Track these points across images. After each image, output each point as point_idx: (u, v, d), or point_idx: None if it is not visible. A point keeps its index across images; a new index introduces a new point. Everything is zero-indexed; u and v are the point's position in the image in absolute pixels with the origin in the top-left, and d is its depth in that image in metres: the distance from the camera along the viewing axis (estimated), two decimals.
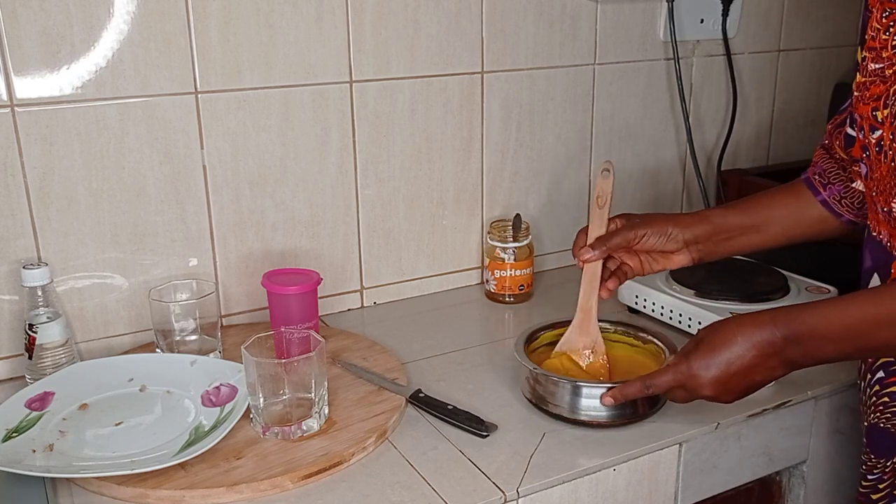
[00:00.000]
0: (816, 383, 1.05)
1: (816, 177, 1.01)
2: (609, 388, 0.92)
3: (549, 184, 1.41)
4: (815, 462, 1.10)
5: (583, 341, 1.00)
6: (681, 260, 1.01)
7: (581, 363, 1.00)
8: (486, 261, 1.32)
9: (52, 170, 1.05)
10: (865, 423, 0.94)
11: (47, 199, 1.06)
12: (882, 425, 0.90)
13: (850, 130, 0.97)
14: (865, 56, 0.86)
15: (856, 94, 0.88)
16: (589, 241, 0.99)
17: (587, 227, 1.01)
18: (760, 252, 1.04)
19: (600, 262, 0.99)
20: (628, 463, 0.92)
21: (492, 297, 1.33)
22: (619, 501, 0.94)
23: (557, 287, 1.39)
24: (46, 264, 1.03)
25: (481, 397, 1.02)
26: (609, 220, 1.00)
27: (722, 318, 0.88)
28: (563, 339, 1.02)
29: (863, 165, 0.89)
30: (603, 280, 0.99)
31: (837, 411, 1.09)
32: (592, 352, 1.00)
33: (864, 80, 0.86)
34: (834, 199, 0.99)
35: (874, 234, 0.89)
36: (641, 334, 1.05)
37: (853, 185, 0.98)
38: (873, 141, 0.84)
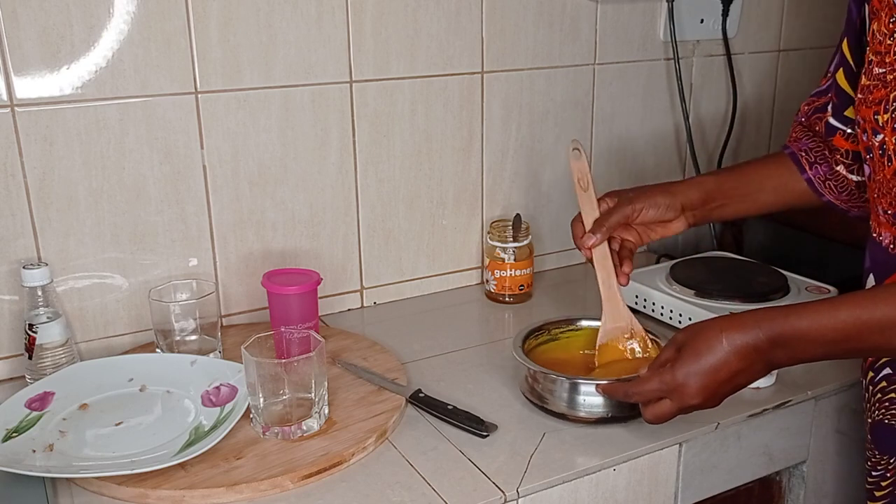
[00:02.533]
0: (817, 383, 1.05)
1: (803, 153, 1.02)
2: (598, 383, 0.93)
3: (549, 184, 1.41)
4: (815, 462, 1.10)
5: (619, 328, 1.00)
6: (677, 227, 1.02)
7: (626, 351, 0.99)
8: (486, 261, 1.32)
9: (52, 170, 1.05)
10: (869, 420, 0.94)
11: (47, 200, 1.06)
12: (887, 422, 0.90)
13: (832, 120, 0.98)
14: (872, 59, 0.86)
15: (859, 96, 0.87)
16: (587, 227, 0.99)
17: (579, 214, 1.00)
18: (750, 219, 1.06)
19: (606, 245, 0.99)
20: (628, 463, 0.92)
21: (492, 297, 1.33)
22: (619, 501, 0.94)
23: (557, 287, 1.39)
24: (46, 264, 1.03)
25: (481, 397, 1.02)
26: (598, 200, 1.00)
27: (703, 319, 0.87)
28: (599, 334, 1.01)
29: (866, 167, 0.89)
30: (617, 267, 0.99)
31: (837, 411, 1.09)
32: (631, 335, 1.00)
33: (868, 83, 0.86)
34: (819, 179, 1.01)
35: (874, 234, 0.89)
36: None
37: (837, 168, 1.00)
38: (876, 144, 0.84)
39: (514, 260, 1.29)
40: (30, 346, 1.03)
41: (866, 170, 0.89)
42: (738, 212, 1.04)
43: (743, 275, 1.22)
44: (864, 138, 0.86)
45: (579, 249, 1.00)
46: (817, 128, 1.02)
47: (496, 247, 1.30)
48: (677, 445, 0.96)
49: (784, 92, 1.63)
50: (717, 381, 0.81)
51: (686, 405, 0.84)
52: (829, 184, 1.01)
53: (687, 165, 1.54)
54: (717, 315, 0.87)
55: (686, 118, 1.47)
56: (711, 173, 1.08)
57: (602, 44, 1.39)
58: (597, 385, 0.92)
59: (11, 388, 1.03)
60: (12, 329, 1.07)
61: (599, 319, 1.02)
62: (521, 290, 1.31)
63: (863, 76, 0.87)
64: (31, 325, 1.02)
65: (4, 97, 1.01)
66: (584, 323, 1.07)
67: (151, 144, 1.10)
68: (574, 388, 0.95)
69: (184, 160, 1.12)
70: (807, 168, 1.01)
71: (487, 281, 1.32)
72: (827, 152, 1.01)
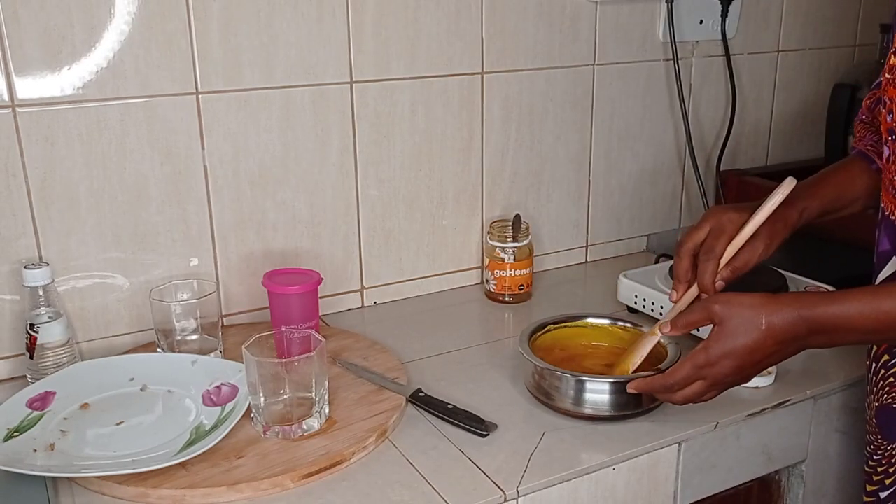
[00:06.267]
0: (816, 383, 1.05)
1: (869, 147, 1.00)
2: (613, 381, 0.94)
3: (548, 184, 1.42)
4: (814, 461, 1.10)
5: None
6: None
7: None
8: (486, 261, 1.32)
9: (53, 170, 1.05)
10: (876, 404, 0.93)
11: (48, 200, 1.06)
12: (895, 406, 0.91)
13: None
14: None
15: (887, 76, 0.86)
16: (724, 265, 0.92)
17: (716, 246, 0.92)
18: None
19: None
20: (628, 462, 0.93)
21: (491, 296, 1.33)
22: (618, 500, 0.94)
23: (557, 287, 1.39)
24: (48, 264, 1.03)
25: (481, 396, 1.02)
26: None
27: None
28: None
29: (886, 148, 0.88)
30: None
31: (836, 411, 1.09)
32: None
33: None
34: None
35: (892, 217, 0.88)
36: (640, 328, 1.06)
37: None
38: None
39: (514, 260, 1.30)
40: (31, 346, 1.03)
41: (885, 151, 0.88)
42: (823, 223, 1.01)
43: (742, 274, 1.22)
44: (889, 119, 0.85)
45: (701, 287, 0.93)
46: (881, 117, 0.99)
47: (496, 247, 1.30)
48: (676, 445, 0.96)
49: (783, 93, 1.63)
50: (752, 361, 0.82)
51: (718, 384, 0.85)
52: None
53: (686, 166, 1.54)
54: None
55: (685, 119, 1.47)
56: (806, 193, 0.98)
57: (602, 44, 1.39)
58: (630, 384, 0.92)
59: (12, 387, 1.03)
60: (13, 329, 1.07)
61: (606, 317, 1.07)
62: (521, 289, 1.31)
63: (892, 56, 0.86)
64: (32, 325, 1.02)
65: (6, 97, 1.01)
66: (591, 320, 1.08)
67: (152, 145, 1.10)
68: (580, 386, 0.95)
69: (185, 160, 1.13)
70: (876, 159, 0.98)
71: (487, 281, 1.33)
72: None
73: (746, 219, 0.93)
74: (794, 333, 0.80)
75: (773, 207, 0.92)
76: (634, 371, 0.96)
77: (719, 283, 0.92)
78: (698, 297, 0.94)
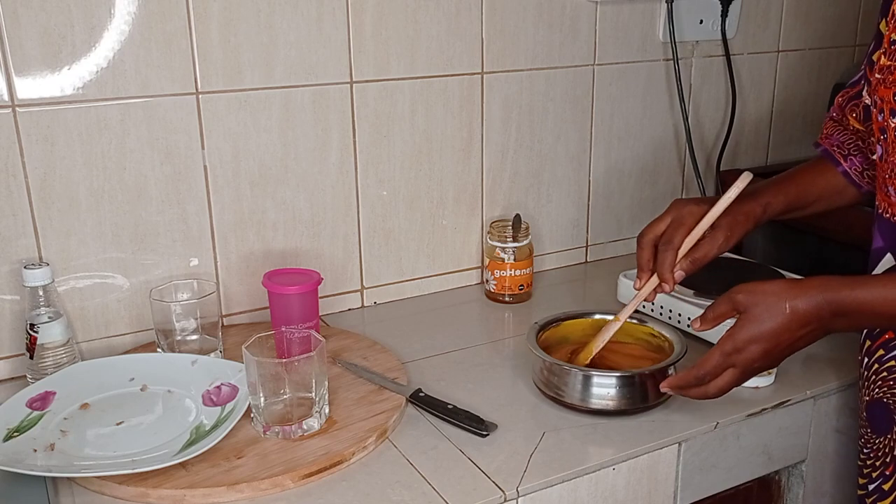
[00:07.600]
0: (816, 383, 1.06)
1: (835, 148, 1.01)
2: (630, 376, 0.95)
3: (549, 184, 1.42)
4: (814, 461, 1.10)
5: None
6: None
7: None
8: (486, 261, 1.32)
9: (53, 170, 1.05)
10: (867, 398, 0.94)
11: (48, 200, 1.06)
12: (886, 400, 0.91)
13: (868, 102, 0.95)
14: (895, 39, 0.85)
15: (878, 76, 0.87)
16: (683, 255, 0.94)
17: (675, 237, 0.94)
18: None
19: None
20: (628, 462, 0.93)
21: (491, 296, 1.33)
22: (618, 500, 0.94)
23: (557, 287, 1.39)
24: (48, 264, 1.03)
25: (481, 396, 1.03)
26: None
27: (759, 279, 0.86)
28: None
29: (878, 147, 0.88)
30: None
31: (836, 411, 1.09)
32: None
33: (889, 63, 0.85)
34: (855, 170, 1.00)
35: (885, 215, 0.89)
36: (644, 323, 1.06)
37: (874, 157, 0.97)
38: (892, 125, 0.84)
39: (514, 260, 1.30)
40: (31, 346, 1.03)
41: (878, 150, 0.89)
42: (792, 219, 1.03)
43: (742, 275, 1.22)
44: (880, 119, 0.86)
45: (662, 281, 0.94)
46: (854, 115, 1.00)
47: (496, 247, 1.30)
48: (676, 445, 0.96)
49: (783, 93, 1.63)
50: (779, 346, 0.83)
51: (748, 371, 0.86)
52: (867, 173, 0.99)
53: (686, 166, 1.54)
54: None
55: (685, 119, 1.47)
56: (771, 188, 1.00)
57: (602, 44, 1.39)
58: (663, 383, 0.92)
59: (13, 387, 1.03)
60: (13, 329, 1.07)
61: (612, 314, 1.05)
62: (521, 289, 1.31)
63: (882, 56, 0.87)
64: (32, 325, 1.02)
65: (6, 97, 1.01)
66: (598, 316, 1.09)
67: (152, 145, 1.10)
68: (587, 380, 0.96)
69: (185, 160, 1.13)
70: (841, 161, 1.00)
71: (487, 281, 1.33)
72: (861, 143, 0.99)
73: (706, 211, 0.94)
74: (818, 316, 0.81)
75: (729, 201, 0.93)
76: (595, 355, 0.99)
77: (678, 273, 0.94)
78: (659, 285, 0.95)
